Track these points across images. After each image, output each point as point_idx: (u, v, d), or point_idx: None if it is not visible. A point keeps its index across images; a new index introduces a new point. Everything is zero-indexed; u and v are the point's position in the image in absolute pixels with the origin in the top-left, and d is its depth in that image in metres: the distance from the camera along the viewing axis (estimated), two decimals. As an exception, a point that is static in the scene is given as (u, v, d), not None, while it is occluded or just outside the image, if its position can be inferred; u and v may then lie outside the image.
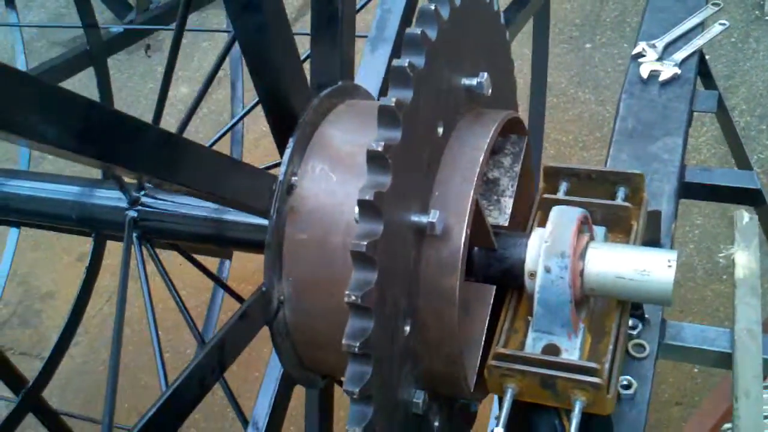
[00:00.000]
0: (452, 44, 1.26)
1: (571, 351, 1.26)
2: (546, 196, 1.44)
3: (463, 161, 1.24)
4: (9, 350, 4.43)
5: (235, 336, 1.32)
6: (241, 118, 1.75)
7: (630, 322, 1.58)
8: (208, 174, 1.16)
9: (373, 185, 1.07)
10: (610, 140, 1.99)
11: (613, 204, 1.41)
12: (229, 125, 1.73)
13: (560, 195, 1.45)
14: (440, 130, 1.24)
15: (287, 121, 1.32)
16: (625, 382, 1.51)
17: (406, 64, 1.11)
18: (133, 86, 5.78)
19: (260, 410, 1.45)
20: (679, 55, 2.14)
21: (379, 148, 1.06)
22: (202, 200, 1.48)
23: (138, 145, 1.00)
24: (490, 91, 1.31)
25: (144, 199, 1.48)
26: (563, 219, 1.25)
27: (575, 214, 1.26)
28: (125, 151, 0.98)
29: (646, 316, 1.59)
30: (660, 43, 2.18)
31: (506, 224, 1.39)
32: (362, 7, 2.02)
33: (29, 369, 2.80)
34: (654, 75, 2.11)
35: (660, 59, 2.14)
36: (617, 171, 1.45)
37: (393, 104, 1.07)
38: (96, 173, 1.82)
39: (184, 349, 4.24)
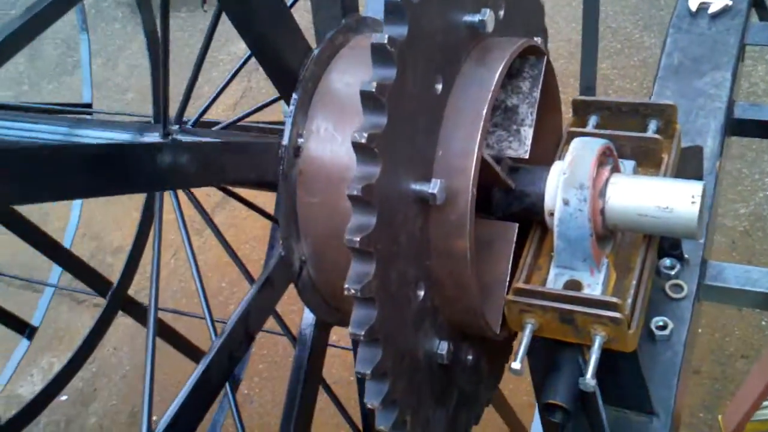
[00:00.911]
0: None
1: (594, 287, 1.22)
2: (572, 129, 1.39)
3: (465, 117, 1.18)
4: (83, 302, 4.61)
5: (259, 304, 1.33)
6: (231, 78, 1.76)
7: (668, 262, 1.53)
8: (215, 168, 1.18)
9: (369, 127, 1.04)
10: (654, 77, 1.91)
11: (642, 136, 1.35)
12: (223, 83, 1.74)
13: (589, 128, 1.41)
14: (439, 86, 1.18)
15: (288, 79, 1.29)
16: (660, 323, 1.46)
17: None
18: (194, 44, 5.86)
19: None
20: (732, -14, 2.03)
21: (372, 89, 1.02)
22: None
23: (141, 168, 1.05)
24: (492, 28, 1.23)
25: (178, 135, 1.51)
26: (583, 150, 1.20)
27: (596, 145, 1.21)
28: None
29: (686, 255, 1.53)
30: (712, -26, 2.07)
31: (526, 156, 1.34)
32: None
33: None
34: (703, 8, 2.00)
35: (711, -9, 2.03)
36: (648, 102, 1.38)
37: (386, 42, 1.03)
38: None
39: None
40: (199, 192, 1.69)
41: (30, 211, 2.78)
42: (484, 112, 1.16)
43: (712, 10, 2.00)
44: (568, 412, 1.23)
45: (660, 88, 1.87)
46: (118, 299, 2.74)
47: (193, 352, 3.14)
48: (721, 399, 3.15)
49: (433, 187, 1.12)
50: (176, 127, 1.54)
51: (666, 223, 1.19)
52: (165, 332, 3.05)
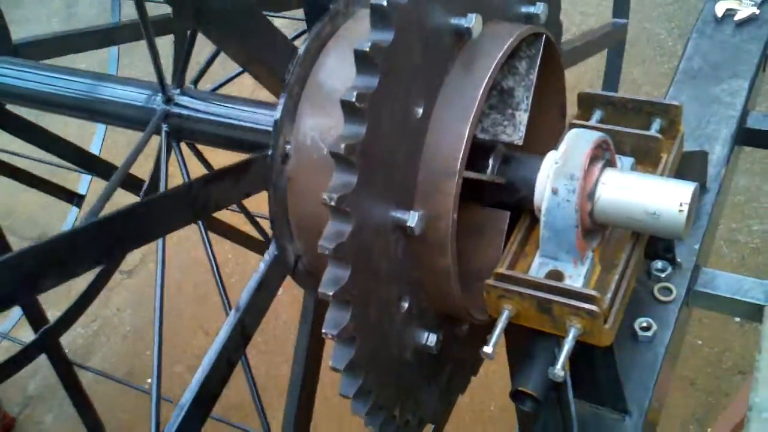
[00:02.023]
0: None
1: (575, 278, 1.22)
2: (575, 121, 1.38)
3: (447, 136, 1.16)
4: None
5: (255, 304, 1.35)
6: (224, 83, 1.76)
7: (659, 264, 1.52)
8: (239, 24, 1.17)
9: (348, 136, 1.03)
10: (671, 80, 1.89)
11: (642, 134, 1.34)
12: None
13: (592, 122, 1.39)
14: (419, 110, 1.15)
15: (277, 84, 1.28)
16: (645, 324, 1.45)
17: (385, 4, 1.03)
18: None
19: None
20: (761, -5, 2.00)
21: (353, 99, 1.00)
22: (232, 103, 1.49)
23: None
24: (477, 34, 1.18)
25: (178, 98, 1.51)
26: (578, 141, 1.20)
27: (592, 137, 1.20)
28: None
29: (678, 259, 1.52)
30: (742, -18, 2.04)
31: (521, 143, 1.33)
32: None
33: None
34: (729, 14, 1.98)
35: (739, -2, 2.01)
36: (654, 101, 1.37)
37: (368, 49, 1.01)
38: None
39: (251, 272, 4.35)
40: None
41: (45, 170, 2.82)
42: (466, 133, 1.14)
43: (738, 17, 1.97)
44: (538, 401, 1.23)
45: (675, 91, 1.85)
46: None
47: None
48: (713, 413, 3.13)
49: (412, 220, 1.13)
50: (177, 90, 1.54)
51: (653, 226, 1.19)
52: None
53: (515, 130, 1.32)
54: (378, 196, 1.09)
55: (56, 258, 1.07)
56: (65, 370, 2.55)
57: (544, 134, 1.46)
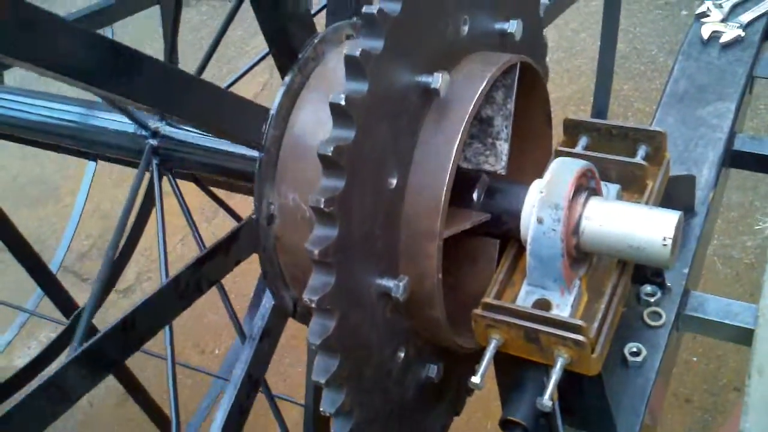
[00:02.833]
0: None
1: (563, 307, 1.22)
2: (561, 148, 1.39)
3: (425, 200, 1.17)
4: (86, 279, 4.65)
5: (260, 356, 1.43)
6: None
7: (649, 289, 1.52)
8: (204, 106, 1.17)
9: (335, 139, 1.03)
10: (658, 102, 1.90)
11: (628, 161, 1.34)
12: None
13: (578, 149, 1.40)
14: (393, 181, 1.15)
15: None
16: (635, 349, 1.46)
17: (359, 54, 1.02)
18: (233, 42, 5.88)
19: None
20: (746, 17, 2.02)
21: (329, 153, 1.00)
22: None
23: (137, 76, 1.03)
24: (444, 93, 1.16)
25: (163, 129, 1.52)
26: (562, 170, 1.20)
27: (576, 166, 1.21)
28: (126, 82, 1.01)
29: (668, 284, 1.53)
30: (727, 3, 2.06)
31: (504, 172, 1.34)
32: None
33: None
34: (715, 36, 1.99)
35: (724, 20, 2.02)
36: (639, 128, 1.38)
37: (343, 102, 1.01)
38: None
39: (248, 292, 4.35)
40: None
41: (40, 187, 2.83)
42: (443, 196, 1.15)
43: (723, 39, 1.99)
44: (527, 430, 1.23)
45: (662, 114, 1.87)
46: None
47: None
48: (708, 430, 3.12)
49: (396, 290, 1.15)
50: (162, 122, 1.55)
51: (638, 257, 1.20)
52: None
53: (497, 159, 1.32)
54: (360, 258, 1.10)
55: (57, 390, 1.15)
56: None
57: (532, 160, 1.47)
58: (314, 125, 1.24)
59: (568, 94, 4.70)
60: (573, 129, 1.43)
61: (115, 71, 0.98)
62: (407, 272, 1.17)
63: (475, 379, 1.19)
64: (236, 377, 1.41)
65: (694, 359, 3.35)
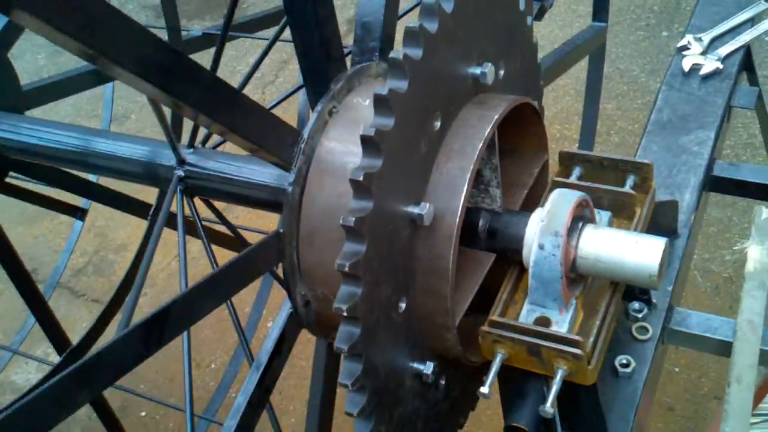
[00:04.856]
0: (456, 34, 1.32)
1: (561, 324, 1.35)
2: (557, 179, 1.52)
3: (456, 163, 1.31)
4: (82, 296, 4.74)
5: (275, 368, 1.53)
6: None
7: (636, 305, 1.66)
8: (245, 118, 1.30)
9: (365, 167, 1.17)
10: (643, 130, 2.04)
11: (618, 191, 1.48)
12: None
13: (572, 179, 1.54)
14: (437, 123, 1.30)
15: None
16: (624, 361, 1.59)
17: (401, 57, 1.18)
18: (225, 62, 6.01)
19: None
20: (724, 50, 2.17)
21: (371, 134, 1.15)
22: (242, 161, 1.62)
23: (192, 84, 1.18)
24: (492, 80, 1.36)
25: (190, 158, 1.63)
26: (561, 201, 1.34)
27: (573, 197, 1.34)
28: (181, 84, 1.15)
29: (654, 300, 1.66)
30: (706, 37, 2.21)
31: (501, 210, 1.47)
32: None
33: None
34: (696, 68, 2.14)
35: (704, 53, 2.17)
36: (627, 159, 1.52)
37: (387, 94, 1.16)
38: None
39: (243, 307, 4.45)
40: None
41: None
42: (471, 167, 1.29)
43: (703, 71, 2.14)
44: (529, 436, 1.36)
45: (647, 142, 2.01)
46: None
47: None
48: (691, 437, 3.27)
49: (422, 208, 1.27)
50: (189, 150, 1.67)
51: (628, 279, 1.34)
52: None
53: (492, 201, 1.45)
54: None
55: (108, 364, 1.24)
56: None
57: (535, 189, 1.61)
58: (342, 154, 1.38)
59: (552, 113, 4.86)
60: (568, 160, 1.57)
61: (173, 75, 1.13)
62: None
63: (484, 389, 1.31)
64: (247, 390, 1.49)
65: (677, 370, 3.50)
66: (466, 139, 1.32)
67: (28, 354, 3.73)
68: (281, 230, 1.39)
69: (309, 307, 1.48)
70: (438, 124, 1.30)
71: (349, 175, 1.15)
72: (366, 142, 1.15)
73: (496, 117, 1.34)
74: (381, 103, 1.16)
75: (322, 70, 1.41)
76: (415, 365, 1.40)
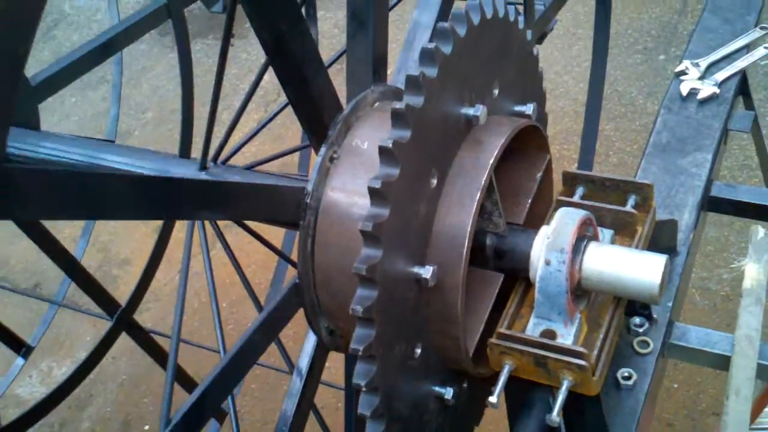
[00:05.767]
0: (455, 75, 1.35)
1: (566, 337, 1.41)
2: (561, 198, 1.59)
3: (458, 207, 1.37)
4: (86, 311, 4.78)
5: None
6: (265, 124, 1.95)
7: (638, 320, 1.72)
8: (244, 206, 1.38)
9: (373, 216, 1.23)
10: (643, 152, 2.11)
11: (620, 210, 1.55)
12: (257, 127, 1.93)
13: (575, 198, 1.60)
14: (434, 180, 1.35)
15: (321, 130, 1.46)
16: (626, 374, 1.65)
17: (404, 106, 1.22)
18: (227, 80, 6.08)
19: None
20: (721, 75, 2.24)
21: (378, 186, 1.20)
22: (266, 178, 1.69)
23: (186, 201, 1.26)
24: (484, 121, 1.39)
25: (216, 172, 1.70)
26: (566, 219, 1.40)
27: (578, 215, 1.41)
28: (175, 208, 1.24)
29: (654, 315, 1.72)
30: (703, 63, 2.28)
31: (505, 234, 1.53)
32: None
33: (104, 329, 3.12)
34: (693, 93, 2.22)
35: (701, 78, 2.25)
36: (629, 180, 1.59)
37: (390, 146, 1.21)
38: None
39: (246, 322, 4.49)
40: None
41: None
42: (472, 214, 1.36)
43: (701, 95, 2.21)
44: (535, 445, 1.41)
45: (647, 163, 2.07)
46: (124, 322, 2.94)
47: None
48: (689, 453, 3.32)
49: (426, 272, 1.33)
50: (212, 163, 1.73)
51: (630, 295, 1.40)
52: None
53: (497, 227, 1.51)
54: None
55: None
56: (147, 340, 3.03)
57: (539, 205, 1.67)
58: (347, 205, 1.42)
59: (552, 133, 4.94)
60: (571, 180, 1.63)
61: (164, 203, 1.22)
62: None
63: (492, 399, 1.37)
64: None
65: (675, 386, 3.56)
66: (464, 188, 1.38)
67: (74, 307, 3.78)
68: (297, 281, 1.47)
69: (334, 335, 1.55)
70: (435, 181, 1.36)
71: (359, 226, 1.21)
72: (374, 193, 1.21)
73: (491, 162, 1.39)
74: (386, 155, 1.22)
75: (318, 119, 1.45)
76: (437, 389, 1.48)
